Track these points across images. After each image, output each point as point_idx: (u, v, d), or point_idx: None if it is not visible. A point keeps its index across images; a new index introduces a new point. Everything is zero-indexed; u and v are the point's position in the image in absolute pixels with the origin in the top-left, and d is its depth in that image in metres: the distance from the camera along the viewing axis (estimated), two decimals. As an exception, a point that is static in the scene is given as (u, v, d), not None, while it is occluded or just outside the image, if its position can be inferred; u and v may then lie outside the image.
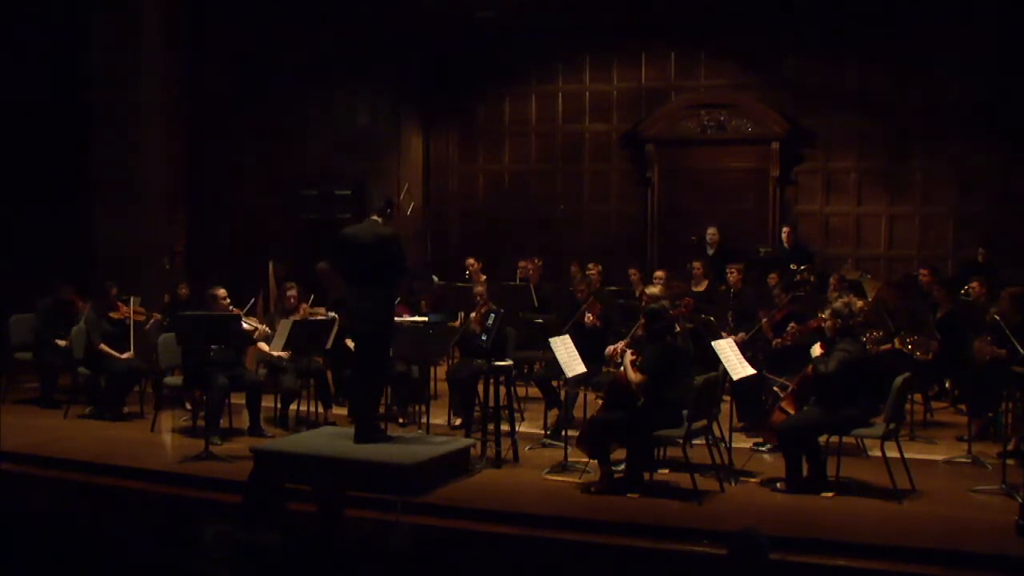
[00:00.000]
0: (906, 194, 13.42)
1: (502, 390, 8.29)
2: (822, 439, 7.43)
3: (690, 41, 14.12)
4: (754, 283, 10.80)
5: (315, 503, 5.52)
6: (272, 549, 4.92)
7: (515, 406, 8.77)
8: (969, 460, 8.08)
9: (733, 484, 7.52)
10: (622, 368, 7.50)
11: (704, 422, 7.46)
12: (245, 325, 9.20)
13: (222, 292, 9.19)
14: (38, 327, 10.37)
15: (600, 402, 8.13)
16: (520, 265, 12.03)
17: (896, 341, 9.16)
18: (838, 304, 7.50)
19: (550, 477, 7.74)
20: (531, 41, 14.62)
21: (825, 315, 7.61)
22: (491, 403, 8.14)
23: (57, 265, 11.43)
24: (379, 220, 8.00)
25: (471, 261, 12.16)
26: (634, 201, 14.41)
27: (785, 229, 12.80)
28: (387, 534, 5.56)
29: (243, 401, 9.16)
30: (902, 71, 13.20)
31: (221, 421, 8.83)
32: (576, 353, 7.94)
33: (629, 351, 7.58)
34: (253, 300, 10.32)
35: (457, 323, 9.82)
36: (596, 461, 7.48)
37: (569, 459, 7.86)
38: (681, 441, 7.24)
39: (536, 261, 12.01)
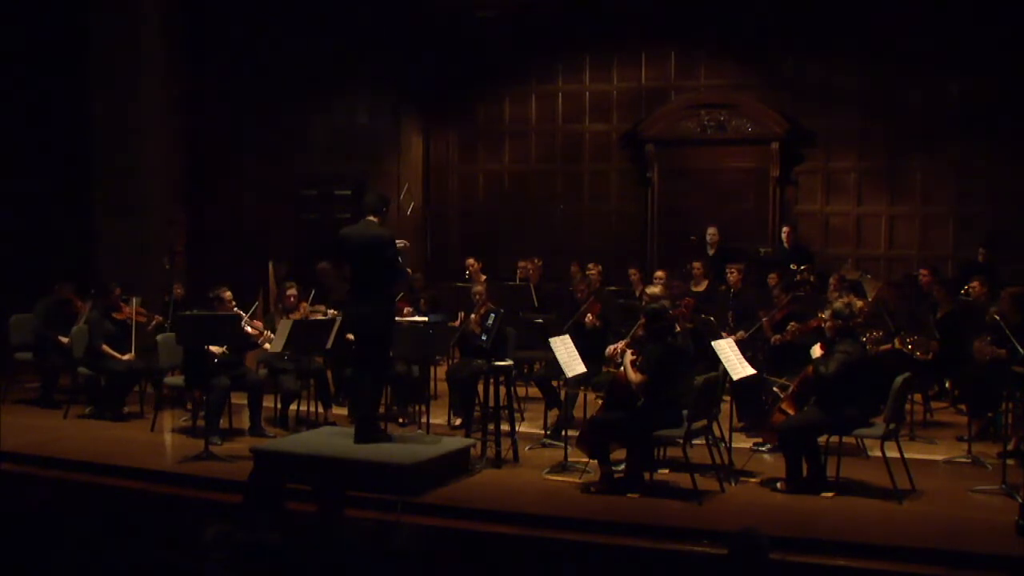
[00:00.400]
0: (906, 194, 13.40)
1: (502, 390, 8.29)
2: (822, 439, 7.43)
3: (690, 41, 14.08)
4: (754, 283, 10.78)
5: (315, 503, 5.52)
6: (272, 549, 4.91)
7: (515, 406, 8.77)
8: (969, 460, 8.09)
9: (733, 484, 7.52)
10: (622, 368, 7.49)
11: (704, 422, 7.46)
12: (250, 330, 9.16)
13: (228, 294, 9.11)
14: (38, 327, 10.38)
15: (600, 402, 8.13)
16: (520, 265, 12.02)
17: (896, 341, 9.15)
18: (838, 304, 7.50)
19: (550, 477, 7.74)
20: (531, 41, 14.61)
21: (825, 315, 7.61)
22: (491, 403, 8.14)
23: (57, 265, 11.44)
24: (375, 220, 7.94)
25: (471, 261, 12.13)
26: (634, 201, 14.39)
27: (785, 229, 12.77)
28: (390, 534, 5.55)
29: (243, 401, 9.16)
30: (902, 71, 13.19)
31: (221, 421, 8.83)
32: (576, 353, 7.93)
33: (629, 351, 7.58)
34: (256, 304, 10.28)
35: (457, 323, 9.80)
36: (596, 461, 7.48)
37: (569, 459, 7.87)
38: (681, 441, 7.24)
39: (536, 261, 12.00)
